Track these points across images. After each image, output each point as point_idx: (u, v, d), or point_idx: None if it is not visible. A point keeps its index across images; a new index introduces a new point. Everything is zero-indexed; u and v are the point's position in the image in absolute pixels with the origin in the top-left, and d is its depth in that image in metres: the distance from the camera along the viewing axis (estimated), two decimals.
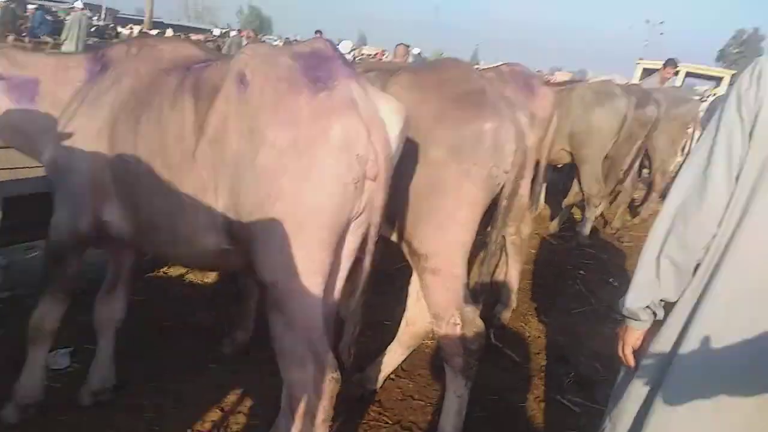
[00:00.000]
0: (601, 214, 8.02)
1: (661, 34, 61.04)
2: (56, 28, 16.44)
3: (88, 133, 2.63)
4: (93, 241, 2.86)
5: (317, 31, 14.82)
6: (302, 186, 2.13)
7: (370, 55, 33.57)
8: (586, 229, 6.90)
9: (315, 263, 2.24)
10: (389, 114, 2.21)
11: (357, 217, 2.33)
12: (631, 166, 7.15)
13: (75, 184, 2.67)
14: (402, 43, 9.11)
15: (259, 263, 2.28)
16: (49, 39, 16.26)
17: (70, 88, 2.83)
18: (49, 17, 19.62)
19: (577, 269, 6.21)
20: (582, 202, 7.00)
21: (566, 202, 7.46)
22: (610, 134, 6.43)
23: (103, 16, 35.74)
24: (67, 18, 16.34)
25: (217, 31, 30.06)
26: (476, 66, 5.12)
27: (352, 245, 2.46)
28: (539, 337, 4.62)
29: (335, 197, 2.15)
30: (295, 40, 22.66)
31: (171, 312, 4.23)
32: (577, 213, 7.97)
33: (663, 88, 8.60)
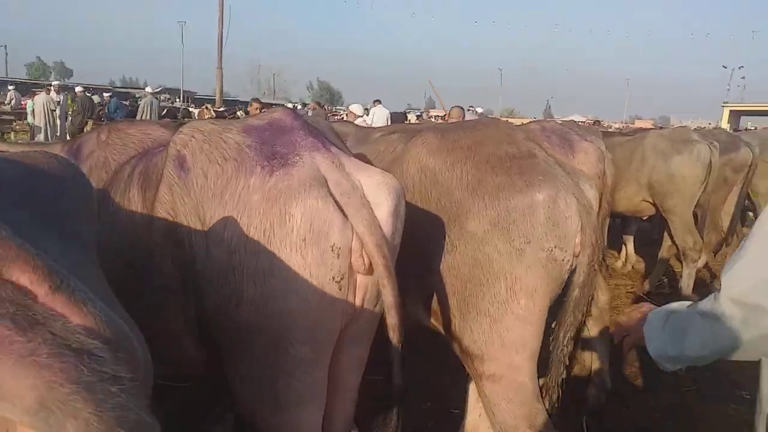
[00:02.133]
0: (707, 267, 7.22)
1: (743, 78, 61.54)
2: (131, 111, 17.34)
3: None
4: None
5: (376, 101, 14.81)
6: (264, 289, 1.66)
7: (438, 116, 34.30)
8: (687, 287, 6.11)
9: (300, 389, 1.76)
10: (374, 189, 1.73)
11: (354, 322, 1.84)
12: (735, 214, 6.71)
13: None
14: (457, 105, 8.69)
15: (233, 385, 1.83)
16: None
17: None
18: (126, 102, 20.86)
19: None
20: (679, 254, 6.27)
21: (661, 255, 6.75)
22: (696, 182, 5.92)
23: (181, 98, 38.52)
24: (140, 102, 17.27)
25: (290, 105, 31.31)
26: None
27: (354, 359, 1.97)
28: (643, 424, 3.82)
29: (311, 302, 1.66)
30: (366, 109, 22.46)
31: None
32: (677, 266, 6.97)
33: (753, 132, 7.87)
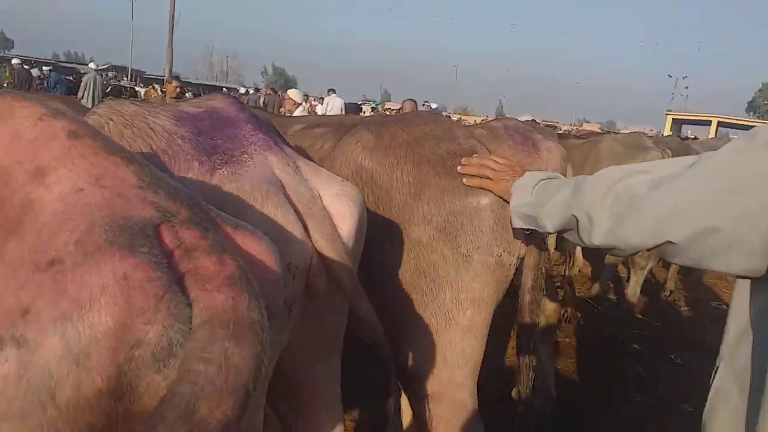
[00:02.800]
0: (652, 274, 7.21)
1: (686, 87, 63.27)
2: (71, 87, 16.50)
3: None
4: None
5: (330, 90, 14.52)
6: None
7: (392, 109, 34.46)
8: (633, 293, 6.05)
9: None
10: (335, 199, 1.46)
11: (309, 342, 1.62)
12: None
13: None
14: (410, 99, 8.54)
15: None
16: None
17: None
18: (70, 77, 19.90)
19: (631, 342, 5.26)
20: (627, 260, 6.23)
21: (608, 260, 6.64)
22: None
23: (129, 77, 37.20)
24: (83, 78, 16.50)
25: (243, 90, 30.59)
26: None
27: (326, 371, 1.75)
28: None
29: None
30: (321, 98, 20.71)
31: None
32: (624, 271, 6.96)
33: (702, 141, 8.06)
